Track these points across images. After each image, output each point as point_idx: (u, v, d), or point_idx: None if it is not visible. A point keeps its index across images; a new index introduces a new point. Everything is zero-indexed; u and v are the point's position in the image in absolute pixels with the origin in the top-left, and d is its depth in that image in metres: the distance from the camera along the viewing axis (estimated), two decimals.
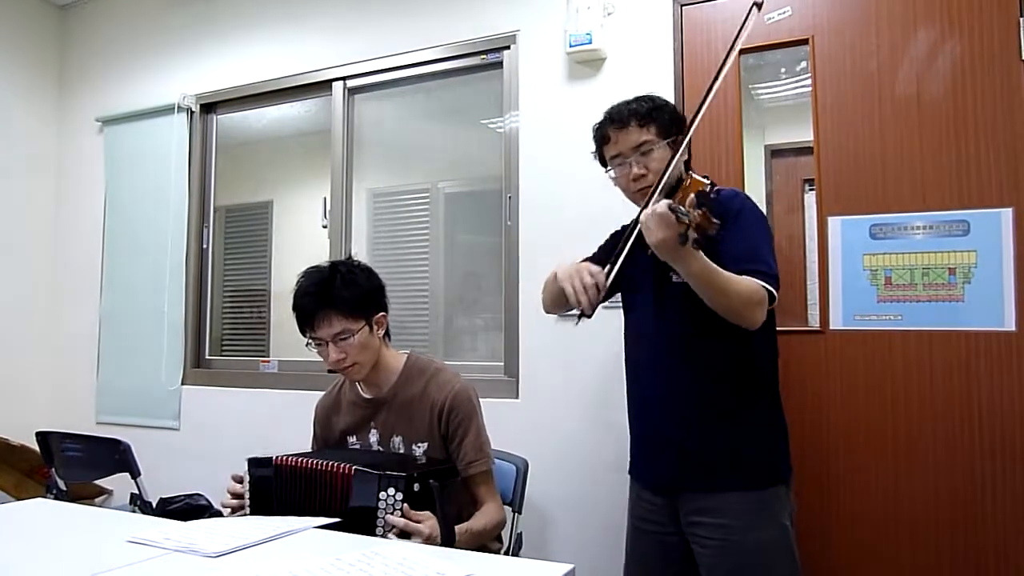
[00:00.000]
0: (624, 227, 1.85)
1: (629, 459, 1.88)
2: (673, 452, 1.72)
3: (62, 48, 3.88)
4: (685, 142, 1.64)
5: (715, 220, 1.37)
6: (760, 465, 1.67)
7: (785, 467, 1.73)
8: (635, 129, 1.72)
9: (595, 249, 2.00)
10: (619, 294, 1.91)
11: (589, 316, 1.67)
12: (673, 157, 1.63)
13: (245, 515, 1.69)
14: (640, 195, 1.72)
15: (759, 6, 1.57)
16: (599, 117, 1.84)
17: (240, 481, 1.72)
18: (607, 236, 2.02)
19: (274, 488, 1.68)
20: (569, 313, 1.73)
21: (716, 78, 1.59)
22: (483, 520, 1.78)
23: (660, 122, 1.71)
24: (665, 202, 1.41)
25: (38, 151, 3.77)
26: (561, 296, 1.72)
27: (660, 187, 1.62)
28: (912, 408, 2.03)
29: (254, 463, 1.72)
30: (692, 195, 1.39)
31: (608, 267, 1.67)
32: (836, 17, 2.19)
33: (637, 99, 1.77)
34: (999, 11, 2.00)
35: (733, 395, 1.68)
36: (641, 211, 1.57)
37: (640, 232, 1.55)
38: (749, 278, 1.56)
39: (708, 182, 1.58)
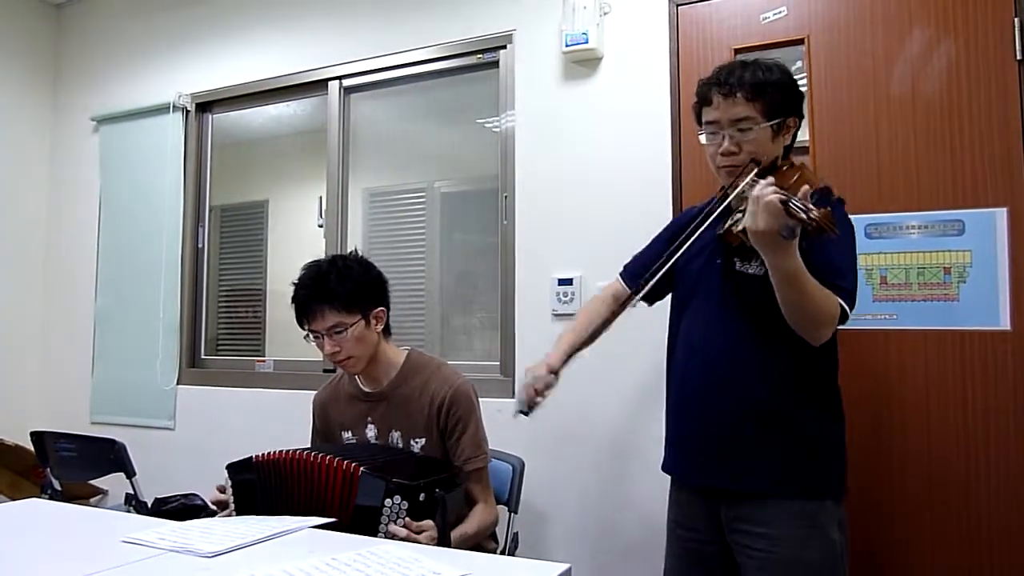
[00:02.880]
0: (705, 206, 1.68)
1: (664, 458, 1.77)
2: (720, 451, 1.61)
3: (57, 47, 3.87)
4: (789, 137, 1.58)
5: (835, 225, 1.25)
6: (808, 473, 1.55)
7: (836, 482, 1.60)
8: (740, 101, 1.55)
9: (657, 234, 1.91)
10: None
11: (525, 414, 1.69)
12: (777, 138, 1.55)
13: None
14: (725, 172, 1.60)
15: (757, 163, 1.52)
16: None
17: (223, 490, 1.71)
18: (666, 224, 1.92)
19: (259, 489, 1.66)
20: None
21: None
22: (476, 522, 1.79)
23: (769, 100, 1.55)
24: (774, 190, 1.30)
25: (33, 150, 3.77)
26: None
27: (757, 169, 1.50)
28: (907, 407, 2.03)
29: (234, 468, 1.70)
30: (806, 187, 1.29)
31: (562, 361, 1.75)
32: (831, 17, 2.19)
33: (754, 65, 1.59)
34: (994, 11, 2.00)
35: (789, 401, 1.56)
36: (720, 197, 1.54)
37: (703, 220, 1.53)
38: (831, 294, 1.45)
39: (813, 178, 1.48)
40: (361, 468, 1.57)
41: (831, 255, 1.49)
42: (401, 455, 1.85)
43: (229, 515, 1.68)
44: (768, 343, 1.55)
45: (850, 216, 1.61)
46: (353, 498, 1.56)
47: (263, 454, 1.68)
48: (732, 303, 1.59)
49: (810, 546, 1.53)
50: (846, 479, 1.63)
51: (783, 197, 1.29)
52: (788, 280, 1.40)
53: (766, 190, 1.31)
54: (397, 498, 1.54)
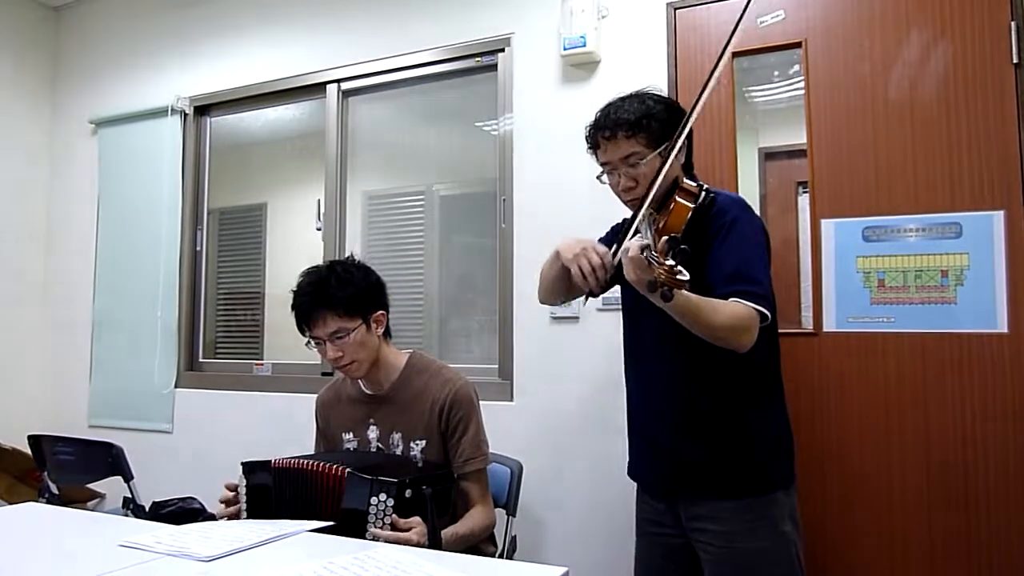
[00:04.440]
0: (625, 220, 1.79)
1: (628, 461, 1.87)
2: (667, 458, 1.70)
3: (56, 50, 3.87)
4: (674, 152, 1.54)
5: (682, 278, 1.28)
6: (754, 473, 1.63)
7: (784, 473, 1.68)
8: (623, 140, 1.63)
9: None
10: (617, 289, 1.86)
11: (596, 296, 1.66)
12: (660, 170, 1.54)
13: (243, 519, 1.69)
14: (632, 204, 1.67)
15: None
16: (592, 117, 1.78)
17: (233, 489, 1.72)
18: (607, 229, 1.98)
19: (272, 492, 1.68)
20: (569, 301, 1.66)
21: (710, 76, 1.52)
22: (470, 523, 1.79)
23: (649, 131, 1.61)
24: (638, 244, 1.35)
25: (31, 153, 3.76)
26: (561, 280, 1.74)
27: (649, 199, 1.54)
28: (905, 409, 2.03)
29: (248, 468, 1.72)
30: (665, 240, 1.31)
31: (615, 248, 1.62)
32: (829, 21, 2.20)
33: (629, 100, 1.67)
34: (990, 15, 2.01)
35: (729, 401, 1.63)
36: (634, 213, 1.58)
37: (615, 249, 1.56)
38: (736, 303, 1.49)
39: (700, 192, 1.53)
40: (347, 470, 1.60)
41: (734, 261, 1.55)
42: (401, 460, 1.85)
43: (237, 515, 1.69)
44: (704, 351, 1.57)
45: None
46: (342, 499, 1.58)
47: (282, 460, 1.69)
48: (668, 317, 1.61)
49: (762, 540, 1.61)
50: (791, 469, 1.70)
51: (644, 253, 1.33)
52: (682, 316, 1.46)
53: (632, 245, 1.37)
54: (383, 495, 1.56)
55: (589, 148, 1.75)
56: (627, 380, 1.86)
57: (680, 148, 1.58)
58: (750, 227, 1.62)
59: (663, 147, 1.60)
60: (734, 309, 1.49)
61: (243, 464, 1.72)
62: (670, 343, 1.65)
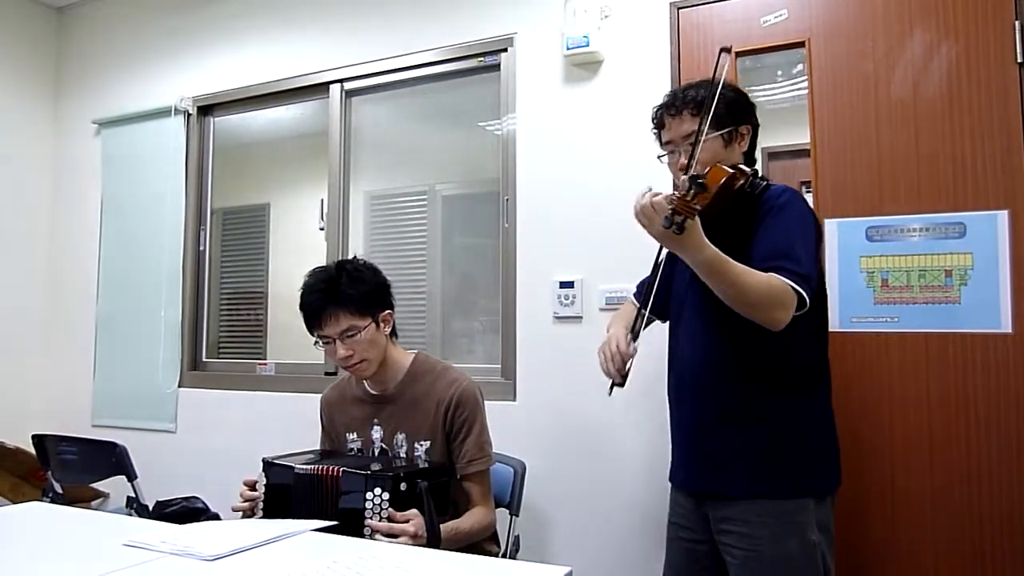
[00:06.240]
0: None
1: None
2: (701, 454, 1.69)
3: (59, 50, 3.88)
4: (706, 125, 1.57)
5: (695, 205, 1.32)
6: (784, 475, 1.59)
7: (820, 480, 1.64)
8: (688, 118, 1.66)
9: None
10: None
11: (620, 385, 1.69)
12: (697, 141, 1.55)
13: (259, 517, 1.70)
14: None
15: (727, 51, 1.56)
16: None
17: (252, 486, 1.73)
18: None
19: (292, 490, 1.68)
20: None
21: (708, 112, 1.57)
22: (471, 520, 1.79)
23: (715, 112, 1.60)
24: (653, 195, 1.40)
25: (34, 153, 3.77)
26: None
27: (690, 172, 1.52)
28: (908, 410, 2.03)
29: (268, 464, 1.73)
30: (684, 176, 1.36)
31: (635, 324, 1.72)
32: (832, 20, 2.19)
33: (697, 84, 1.70)
34: (994, 14, 2.00)
35: (767, 400, 1.60)
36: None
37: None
38: (773, 275, 1.48)
39: (749, 173, 1.55)
40: (342, 468, 1.62)
41: (772, 239, 1.55)
42: (404, 460, 1.85)
43: (254, 512, 1.70)
44: (739, 345, 1.60)
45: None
46: (339, 498, 1.60)
47: (305, 467, 1.69)
48: (706, 312, 1.65)
49: (787, 545, 1.57)
50: (834, 477, 1.67)
51: (662, 195, 1.39)
52: (711, 271, 1.46)
53: (653, 197, 1.41)
54: (377, 490, 1.57)
55: (654, 128, 1.78)
56: (669, 378, 1.83)
57: (743, 136, 1.67)
58: (799, 210, 1.62)
59: (724, 131, 1.64)
60: (769, 279, 1.48)
61: (264, 460, 1.74)
62: (710, 339, 1.66)
